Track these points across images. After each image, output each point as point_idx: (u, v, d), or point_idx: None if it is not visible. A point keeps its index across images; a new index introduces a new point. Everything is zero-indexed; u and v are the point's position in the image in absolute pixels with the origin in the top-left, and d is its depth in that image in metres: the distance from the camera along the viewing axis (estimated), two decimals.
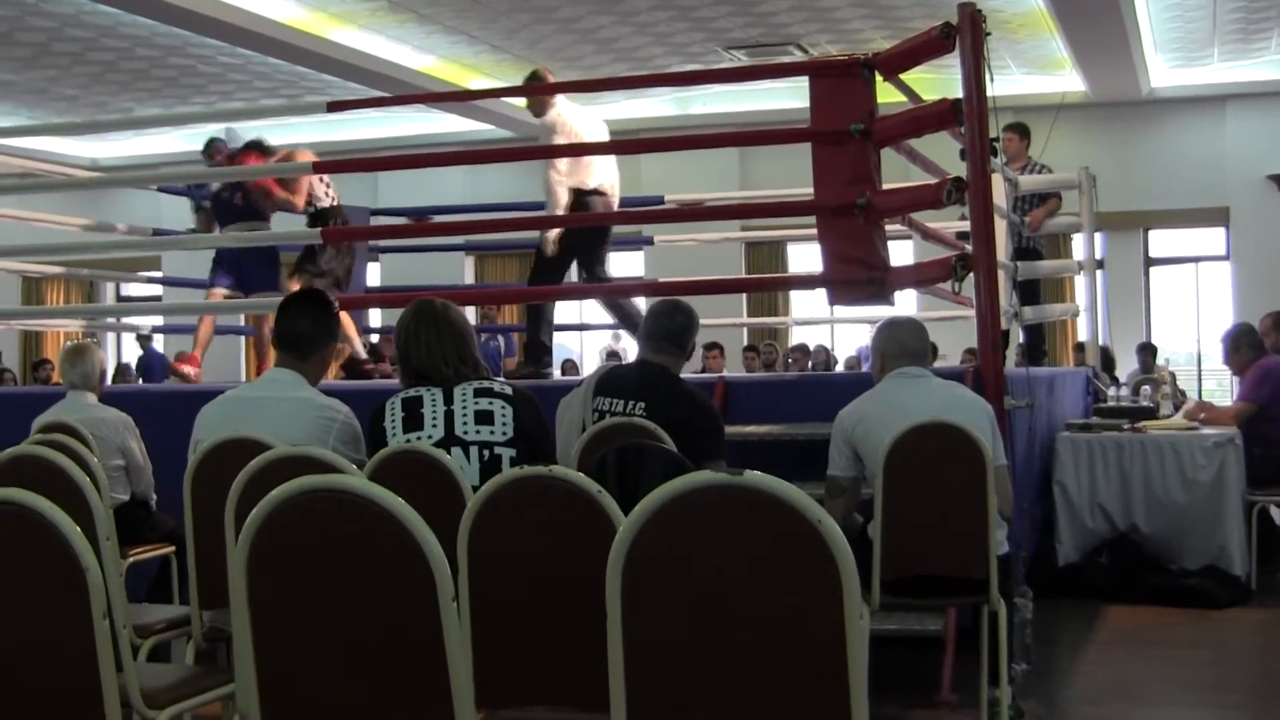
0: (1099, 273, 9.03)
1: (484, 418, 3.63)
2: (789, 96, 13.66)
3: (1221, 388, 14.69)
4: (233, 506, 3.05)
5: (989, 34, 5.38)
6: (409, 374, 3.80)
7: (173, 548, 5.25)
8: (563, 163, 6.86)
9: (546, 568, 2.63)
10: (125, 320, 15.11)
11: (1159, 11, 12.36)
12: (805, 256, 15.33)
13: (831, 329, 15.86)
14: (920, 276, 5.72)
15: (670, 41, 13.33)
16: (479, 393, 3.67)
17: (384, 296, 10.66)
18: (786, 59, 13.43)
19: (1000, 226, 6.52)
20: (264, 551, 2.10)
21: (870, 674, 2.00)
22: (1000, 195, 6.92)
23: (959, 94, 5.33)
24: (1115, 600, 6.20)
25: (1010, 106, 7.01)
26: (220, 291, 8.12)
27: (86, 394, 5.51)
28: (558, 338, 7.78)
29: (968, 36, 5.31)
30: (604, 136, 7.21)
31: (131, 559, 5.10)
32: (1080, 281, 9.04)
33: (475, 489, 2.88)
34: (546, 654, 2.65)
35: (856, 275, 5.42)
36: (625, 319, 7.30)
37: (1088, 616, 5.98)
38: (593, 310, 11.11)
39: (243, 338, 12.60)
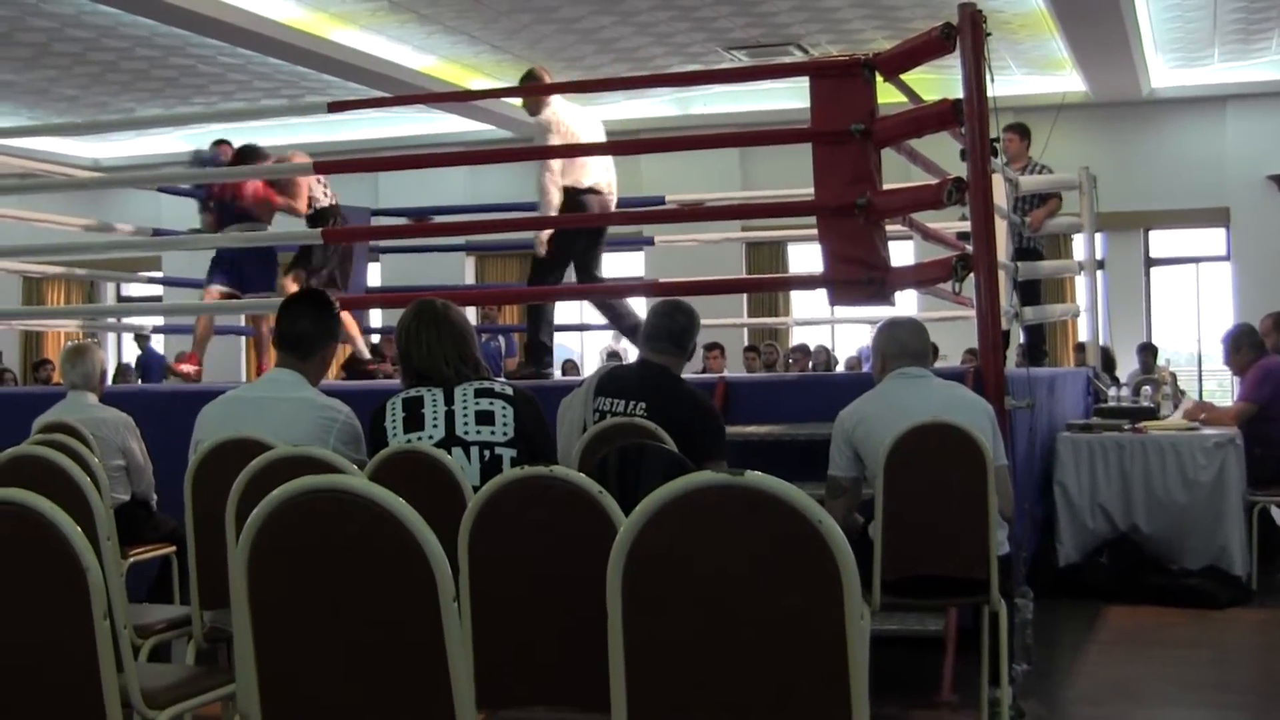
0: (1099, 273, 9.03)
1: (485, 418, 3.63)
2: (789, 97, 13.65)
3: (1222, 388, 14.69)
4: (233, 507, 3.05)
5: (989, 34, 5.37)
6: (410, 374, 3.81)
7: (173, 548, 5.25)
8: (556, 163, 6.85)
9: (547, 568, 2.63)
10: (126, 320, 15.11)
11: (1159, 12, 12.36)
12: (806, 257, 15.33)
13: (832, 329, 15.86)
14: (921, 277, 5.72)
15: (671, 42, 13.33)
16: (480, 393, 3.67)
17: (385, 297, 10.66)
18: (787, 59, 13.43)
19: (1001, 227, 6.52)
20: (265, 552, 2.10)
21: (871, 674, 2.00)
22: (1001, 196, 6.92)
23: (959, 94, 5.33)
24: (1116, 600, 6.20)
25: (1011, 107, 7.01)
26: (216, 290, 8.14)
27: (87, 394, 5.51)
28: (558, 338, 7.77)
29: (968, 37, 5.31)
30: (600, 135, 7.21)
31: (132, 559, 5.10)
32: (1081, 282, 9.05)
33: (476, 489, 2.88)
34: (547, 654, 2.65)
35: (857, 275, 5.42)
36: (618, 320, 7.30)
37: (1088, 617, 5.98)
38: (593, 310, 11.12)
39: (243, 338, 12.62)
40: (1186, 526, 6.40)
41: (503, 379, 4.47)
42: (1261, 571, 6.52)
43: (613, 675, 2.03)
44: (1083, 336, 10.04)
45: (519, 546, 2.65)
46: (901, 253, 7.54)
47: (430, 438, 3.58)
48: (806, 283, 7.95)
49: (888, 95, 5.62)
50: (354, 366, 8.88)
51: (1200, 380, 15.35)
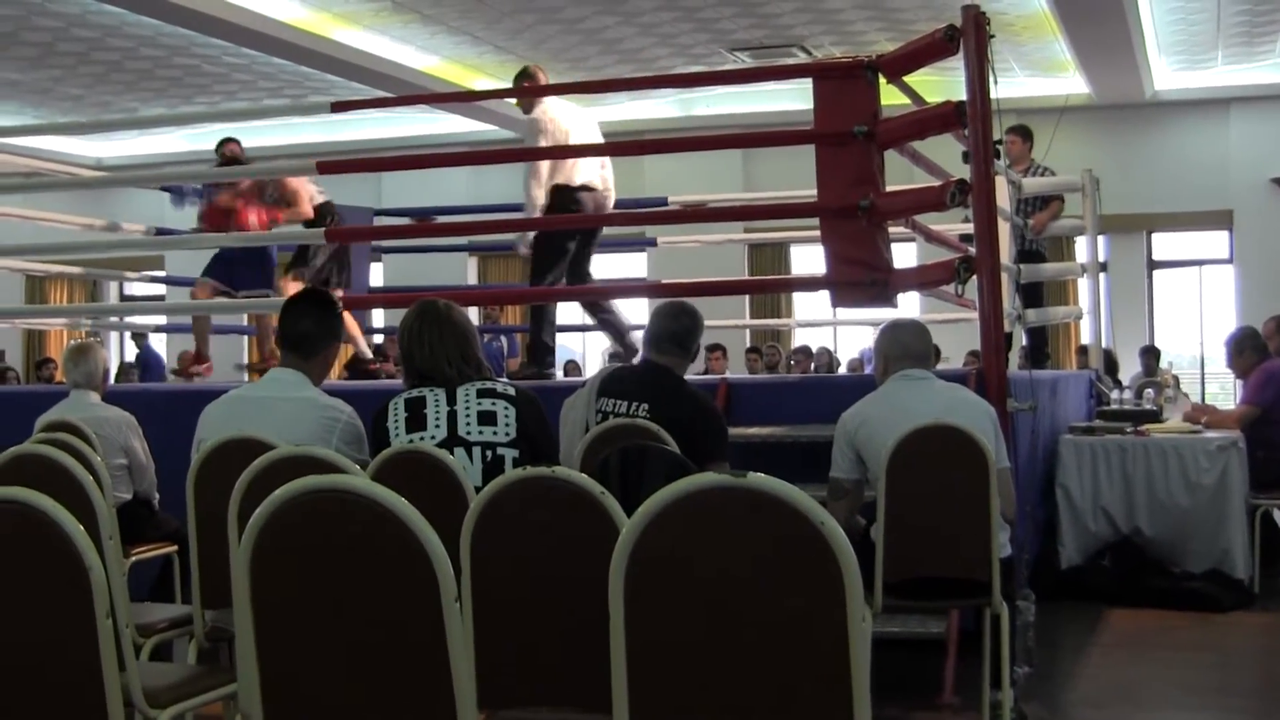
0: (1102, 275, 9.03)
1: (487, 418, 3.63)
2: (793, 98, 13.64)
3: (1225, 391, 14.68)
4: (235, 506, 3.05)
5: (993, 36, 5.37)
6: (412, 374, 3.81)
7: (175, 547, 5.26)
8: (543, 165, 6.87)
9: (549, 569, 2.63)
10: (128, 319, 15.13)
11: (1163, 14, 12.36)
12: (808, 258, 15.33)
13: (834, 331, 15.85)
14: (923, 279, 5.72)
15: (674, 43, 13.33)
16: (482, 393, 3.67)
17: (387, 297, 10.68)
18: (790, 61, 13.43)
19: (1003, 229, 6.52)
20: (267, 551, 2.10)
21: (872, 676, 2.00)
22: (1003, 198, 6.91)
23: (962, 96, 5.32)
24: (1118, 603, 6.20)
25: (1013, 109, 6.99)
26: (208, 285, 8.18)
27: (89, 393, 5.51)
28: (560, 339, 7.77)
29: (971, 39, 5.31)
30: (595, 134, 7.20)
31: (134, 558, 5.10)
32: (1083, 284, 9.04)
33: (478, 490, 2.88)
34: (549, 655, 2.65)
35: (859, 277, 5.42)
36: (607, 325, 7.32)
37: (1090, 619, 5.98)
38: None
39: (245, 337, 12.63)
40: (1189, 529, 6.40)
41: (505, 379, 4.47)
42: (1264, 575, 6.51)
43: (614, 676, 2.03)
44: (1085, 339, 10.03)
45: (521, 547, 2.65)
46: (904, 255, 7.53)
47: (432, 438, 3.58)
48: (809, 284, 7.96)
49: (891, 97, 5.62)
50: (356, 366, 8.89)
51: (1203, 383, 15.34)
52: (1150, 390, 8.20)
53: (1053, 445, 6.56)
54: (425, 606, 2.00)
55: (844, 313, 8.83)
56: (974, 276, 5.25)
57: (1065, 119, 9.45)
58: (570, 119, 7.00)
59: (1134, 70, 13.46)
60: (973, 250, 5.39)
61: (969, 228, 5.75)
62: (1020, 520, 4.69)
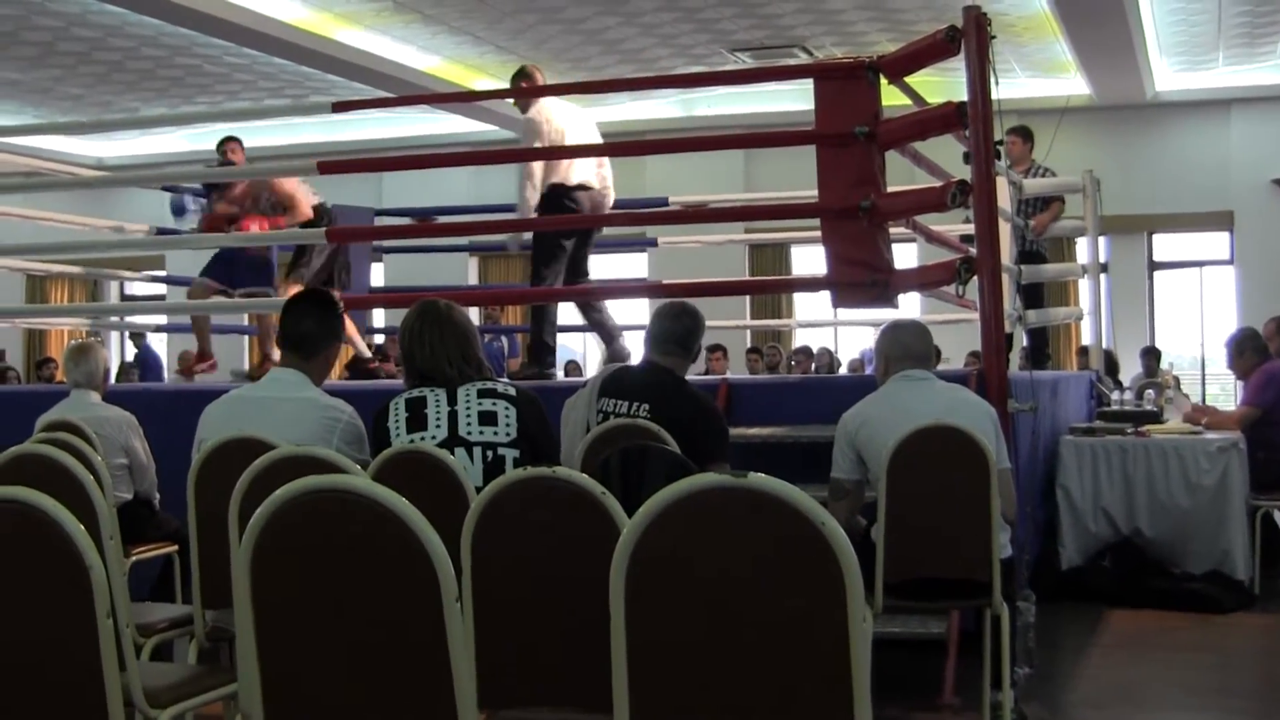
0: (1103, 276, 9.03)
1: (488, 418, 3.63)
2: (794, 99, 13.64)
3: (1225, 392, 14.68)
4: (236, 506, 3.05)
5: (994, 37, 5.37)
6: (413, 375, 3.81)
7: (175, 547, 5.26)
8: (536, 166, 6.89)
9: (550, 569, 2.63)
10: (129, 319, 15.13)
11: (1164, 15, 12.36)
12: (809, 259, 15.33)
13: (835, 331, 15.86)
14: (924, 279, 5.72)
15: (675, 43, 13.34)
16: (483, 393, 3.67)
17: (388, 297, 10.67)
18: (791, 61, 13.43)
19: (1004, 230, 6.52)
20: (267, 551, 2.10)
21: (873, 676, 2.00)
22: (1004, 198, 6.91)
23: (963, 97, 5.32)
24: (1118, 604, 6.20)
25: (1014, 110, 6.98)
26: (205, 285, 8.20)
27: (90, 393, 5.52)
28: (561, 339, 7.77)
29: (972, 40, 5.30)
30: (593, 133, 7.20)
31: (134, 558, 5.10)
32: (1084, 285, 9.04)
33: (478, 490, 2.88)
34: (550, 655, 2.65)
35: (860, 278, 5.42)
36: (599, 326, 7.33)
37: (1090, 620, 5.98)
38: None
39: (246, 337, 12.63)
40: (1189, 530, 6.40)
41: (505, 380, 4.47)
42: (1264, 576, 6.51)
43: (615, 676, 2.03)
44: (1086, 340, 10.03)
45: (522, 547, 2.65)
46: (905, 255, 7.54)
47: (433, 438, 3.58)
48: (810, 285, 7.97)
49: (892, 97, 5.62)
50: (357, 366, 8.90)
51: (1203, 384, 15.34)
52: (1151, 391, 8.20)
53: (1053, 446, 6.56)
54: (426, 607, 2.00)
55: (845, 313, 8.83)
56: (975, 277, 5.25)
57: (1066, 120, 9.46)
58: (567, 118, 7.00)
59: (1135, 71, 13.46)
60: (974, 251, 5.39)
61: (970, 228, 5.75)
62: (1021, 521, 4.69)
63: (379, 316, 12.99)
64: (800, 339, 15.50)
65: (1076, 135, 12.79)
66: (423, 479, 3.24)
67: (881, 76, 5.51)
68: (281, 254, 8.73)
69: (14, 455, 3.68)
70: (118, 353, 17.19)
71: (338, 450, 3.51)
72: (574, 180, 6.89)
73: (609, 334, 7.32)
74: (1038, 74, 14.12)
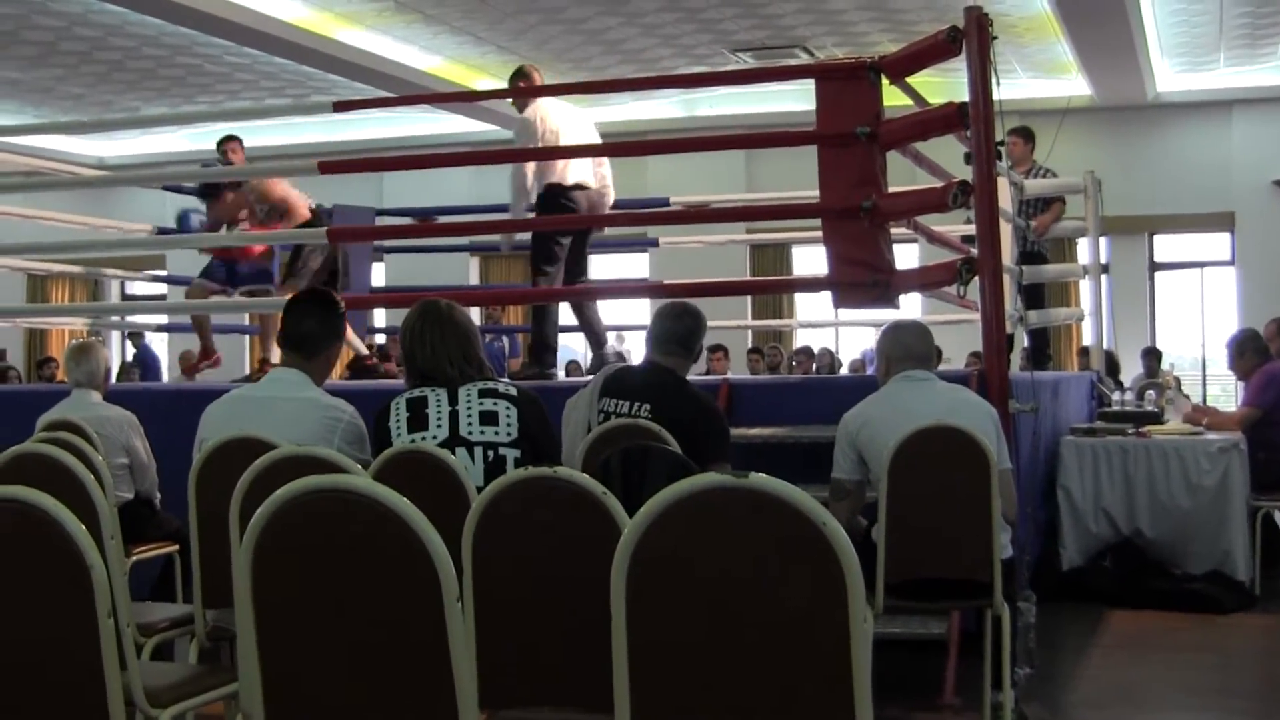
0: (1104, 277, 9.02)
1: (488, 418, 3.63)
2: (795, 99, 13.64)
3: (1226, 393, 14.67)
4: (237, 506, 3.05)
5: (995, 38, 5.37)
6: (414, 374, 3.80)
7: (176, 547, 5.26)
8: (529, 165, 6.92)
9: (551, 569, 2.63)
10: (130, 318, 15.14)
11: (1165, 16, 12.35)
12: (810, 259, 15.33)
13: (836, 332, 15.86)
14: (925, 280, 5.72)
15: (677, 43, 13.34)
16: (484, 393, 3.67)
17: (389, 297, 10.67)
18: (793, 61, 13.43)
19: (1005, 230, 6.52)
20: (268, 551, 2.10)
21: (873, 677, 2.00)
22: (1006, 199, 6.92)
23: (965, 97, 5.32)
24: (1119, 605, 6.20)
25: (1016, 110, 6.97)
26: (203, 286, 8.24)
27: (91, 392, 5.52)
28: (562, 339, 7.78)
29: (974, 40, 5.30)
30: (590, 133, 7.21)
31: (135, 557, 5.10)
32: (1085, 286, 9.04)
33: (479, 490, 2.88)
34: (551, 655, 2.65)
35: (861, 278, 5.42)
36: (588, 329, 7.34)
37: (1091, 621, 5.98)
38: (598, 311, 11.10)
39: (246, 337, 12.63)
40: (1190, 531, 6.40)
41: (506, 380, 4.47)
42: (1265, 576, 6.51)
43: (616, 676, 2.03)
44: (1087, 340, 10.02)
45: (523, 547, 2.65)
46: (906, 256, 7.54)
47: (434, 438, 3.58)
48: (811, 285, 7.97)
49: (893, 98, 5.62)
50: (356, 365, 8.91)
51: (1204, 385, 15.34)
52: (1151, 392, 8.20)
53: (1054, 446, 6.56)
54: (427, 606, 2.00)
55: (846, 313, 8.81)
56: (976, 278, 5.25)
57: (1067, 120, 9.46)
58: (562, 118, 7.01)
59: (1136, 72, 13.46)
60: (975, 251, 5.39)
61: (971, 229, 5.75)
62: (1021, 521, 4.69)
63: (380, 316, 13.00)
64: (801, 339, 15.51)
65: (1078, 136, 12.79)
66: (424, 479, 3.24)
67: (883, 77, 5.51)
68: (280, 254, 8.73)
69: (15, 455, 3.68)
70: (118, 352, 17.20)
71: (339, 450, 3.51)
72: (570, 180, 6.90)
73: (597, 339, 7.36)
74: (1039, 74, 14.12)
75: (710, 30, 12.90)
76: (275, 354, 8.32)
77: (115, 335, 16.98)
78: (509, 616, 2.64)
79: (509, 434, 3.62)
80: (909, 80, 5.79)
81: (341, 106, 7.54)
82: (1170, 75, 14.50)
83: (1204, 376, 15.43)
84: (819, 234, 5.63)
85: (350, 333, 8.42)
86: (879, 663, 2.79)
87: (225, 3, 11.35)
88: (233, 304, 8.95)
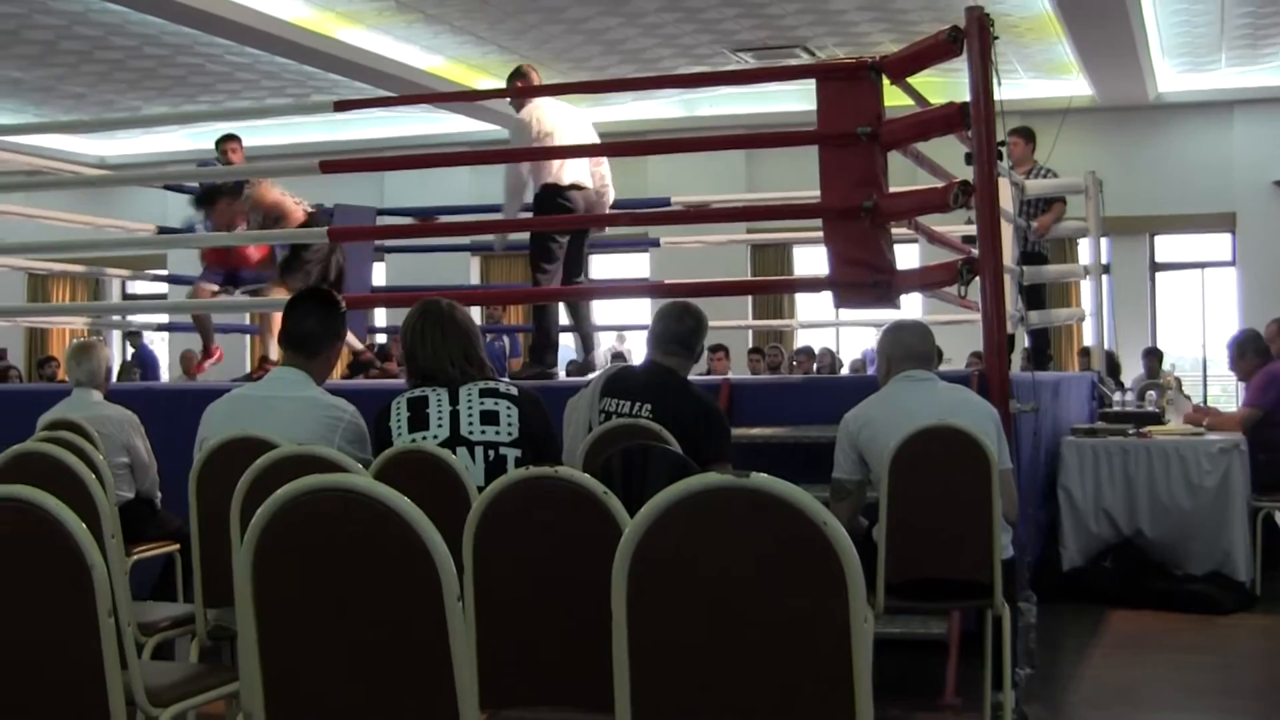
0: (1105, 277, 9.02)
1: (489, 418, 3.63)
2: (796, 99, 13.64)
3: (1227, 393, 14.67)
4: (238, 505, 3.05)
5: (996, 38, 5.37)
6: (415, 374, 3.80)
7: (177, 546, 5.26)
8: (521, 165, 6.95)
9: (551, 568, 2.63)
10: (131, 318, 15.14)
11: (1166, 16, 12.35)
12: (811, 259, 15.33)
13: (837, 332, 15.85)
14: (926, 280, 5.72)
15: (677, 43, 13.33)
16: (484, 393, 3.67)
17: (390, 296, 10.67)
18: (794, 61, 13.43)
19: (1006, 231, 6.52)
20: (269, 550, 2.10)
21: (874, 677, 2.00)
22: (1007, 199, 6.92)
23: (966, 97, 5.32)
24: (1119, 605, 6.20)
25: (1017, 110, 6.96)
26: (206, 288, 8.26)
27: (92, 391, 5.52)
28: (563, 338, 7.78)
29: (975, 40, 5.30)
30: (587, 134, 7.21)
31: (136, 557, 5.10)
32: (1086, 286, 9.04)
33: (480, 489, 2.88)
34: (551, 655, 2.65)
35: (862, 278, 5.42)
36: (580, 330, 7.35)
37: (1092, 621, 5.98)
38: (598, 311, 11.10)
39: (248, 336, 12.63)
40: (1190, 531, 6.40)
41: (507, 379, 4.47)
42: (1265, 577, 6.51)
43: (617, 676, 2.03)
44: (1088, 341, 10.02)
45: (523, 547, 2.65)
46: (907, 256, 7.54)
47: (435, 437, 3.58)
48: (812, 285, 7.96)
49: (894, 98, 5.62)
50: (354, 363, 8.94)
51: (1205, 385, 15.33)
52: (1152, 392, 8.20)
53: (1055, 447, 6.56)
54: (428, 606, 2.00)
55: (846, 313, 8.81)
56: (976, 278, 5.25)
57: (1069, 121, 9.44)
58: (558, 119, 7.02)
59: (1137, 72, 13.45)
60: (975, 252, 5.39)
61: (972, 229, 5.75)
62: (1022, 522, 4.68)
63: (381, 316, 12.99)
64: (802, 339, 15.50)
65: (1079, 136, 12.77)
66: (424, 478, 3.24)
67: (884, 77, 5.51)
68: (280, 252, 8.74)
69: (16, 454, 3.68)
70: (119, 351, 17.21)
71: (340, 449, 3.51)
72: (566, 180, 6.92)
73: (586, 344, 7.38)
74: (1040, 75, 14.11)
75: (711, 30, 12.89)
76: (275, 353, 8.35)
77: (116, 335, 16.99)
78: (510, 616, 2.64)
79: (510, 434, 3.62)
80: (910, 80, 5.79)
81: (342, 106, 7.54)
82: (1171, 75, 14.50)
83: (1205, 377, 15.42)
84: (820, 234, 5.63)
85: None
86: (879, 663, 2.78)
87: (227, 2, 11.34)
88: (233, 304, 8.96)
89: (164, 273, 14.19)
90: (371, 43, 12.96)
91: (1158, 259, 15.79)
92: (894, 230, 5.67)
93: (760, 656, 1.98)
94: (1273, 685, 5.32)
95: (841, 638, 1.93)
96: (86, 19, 12.24)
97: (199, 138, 16.10)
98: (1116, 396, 8.09)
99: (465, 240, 12.39)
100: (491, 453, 3.59)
